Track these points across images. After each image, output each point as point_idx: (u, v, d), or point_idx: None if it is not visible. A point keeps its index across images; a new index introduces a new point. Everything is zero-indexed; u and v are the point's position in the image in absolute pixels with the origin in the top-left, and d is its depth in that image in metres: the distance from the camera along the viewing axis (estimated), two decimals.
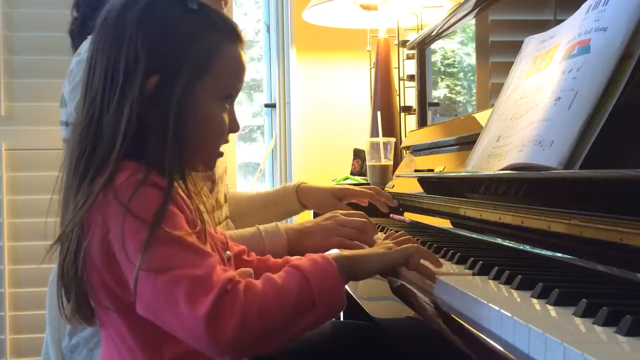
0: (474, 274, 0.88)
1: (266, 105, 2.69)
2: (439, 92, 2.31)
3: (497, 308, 0.68)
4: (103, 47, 0.85)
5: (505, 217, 1.05)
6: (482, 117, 1.35)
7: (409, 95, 2.21)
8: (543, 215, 0.92)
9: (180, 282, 0.75)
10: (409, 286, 0.92)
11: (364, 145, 2.01)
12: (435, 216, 1.42)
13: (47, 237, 0.86)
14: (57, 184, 0.87)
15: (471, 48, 1.99)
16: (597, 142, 0.87)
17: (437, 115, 2.19)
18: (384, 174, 1.94)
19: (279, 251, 1.19)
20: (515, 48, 1.26)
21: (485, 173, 1.12)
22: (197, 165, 0.91)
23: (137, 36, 0.83)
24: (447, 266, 0.96)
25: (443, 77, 2.34)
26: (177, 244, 0.78)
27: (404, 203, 1.65)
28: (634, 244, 0.73)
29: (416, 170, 1.61)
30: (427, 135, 1.73)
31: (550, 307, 0.68)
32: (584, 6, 1.03)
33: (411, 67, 2.11)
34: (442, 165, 1.47)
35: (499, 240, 1.09)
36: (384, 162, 1.94)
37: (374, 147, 1.95)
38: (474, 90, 1.96)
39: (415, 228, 1.48)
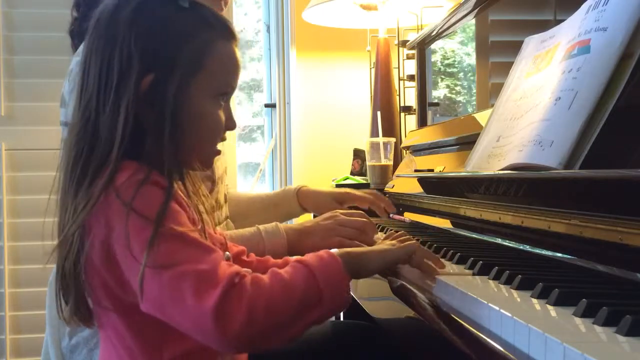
0: (474, 274, 0.88)
1: (266, 105, 2.69)
2: (439, 92, 2.31)
3: (497, 308, 0.68)
4: (97, 49, 0.85)
5: (505, 217, 1.05)
6: (482, 117, 1.35)
7: (409, 95, 2.21)
8: (543, 215, 0.92)
9: (186, 277, 0.75)
10: (409, 286, 0.92)
11: (364, 145, 2.01)
12: (435, 216, 1.42)
13: (46, 238, 0.86)
14: (55, 185, 0.87)
15: (471, 48, 1.99)
16: (597, 142, 0.87)
17: (437, 115, 2.19)
18: (384, 174, 1.94)
19: (279, 251, 1.19)
20: (515, 48, 1.26)
21: (485, 173, 1.12)
22: (195, 164, 0.91)
23: (130, 36, 0.83)
24: (447, 266, 0.96)
25: (443, 77, 2.34)
26: (181, 240, 0.78)
27: (404, 203, 1.65)
28: (634, 244, 0.73)
29: (416, 170, 1.61)
30: (427, 135, 1.73)
31: (550, 307, 0.68)
32: (584, 6, 1.03)
33: (411, 67, 2.11)
34: (442, 165, 1.47)
35: (499, 240, 1.09)
36: (384, 162, 1.94)
37: (374, 147, 1.95)
38: (474, 90, 1.96)
39: (415, 228, 1.48)
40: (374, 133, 2.13)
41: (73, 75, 1.20)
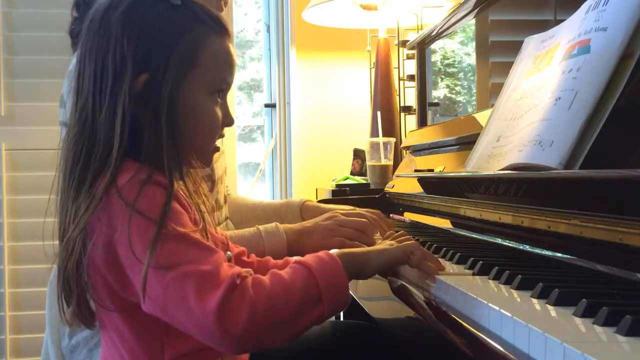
0: (474, 274, 0.88)
1: (266, 105, 2.69)
2: (439, 92, 2.31)
3: (497, 308, 0.68)
4: (90, 50, 0.85)
5: (505, 217, 1.05)
6: (482, 117, 1.35)
7: (409, 95, 2.21)
8: (543, 215, 0.92)
9: (189, 278, 0.75)
10: (409, 286, 0.92)
11: (364, 145, 2.01)
12: (435, 216, 1.42)
13: (47, 238, 0.86)
14: (54, 186, 0.87)
15: (471, 48, 1.99)
16: (597, 142, 0.87)
17: (437, 115, 2.20)
18: (384, 174, 1.94)
19: (278, 251, 1.18)
20: (515, 48, 1.26)
21: (485, 173, 1.12)
22: (194, 161, 0.91)
23: (122, 36, 0.83)
24: (447, 266, 0.96)
25: (443, 77, 2.34)
26: (183, 241, 0.78)
27: (404, 203, 1.65)
28: (634, 244, 0.73)
29: (416, 170, 1.61)
30: (427, 135, 1.73)
31: (550, 307, 0.68)
32: (584, 6, 1.03)
33: (411, 67, 2.11)
34: (442, 165, 1.47)
35: (499, 240, 1.09)
36: (384, 162, 1.94)
37: (374, 147, 1.95)
38: (474, 90, 1.96)
39: (415, 228, 1.48)
40: (374, 133, 2.13)
41: (73, 75, 1.20)
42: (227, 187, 1.48)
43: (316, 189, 2.27)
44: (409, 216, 1.61)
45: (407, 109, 2.20)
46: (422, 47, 1.97)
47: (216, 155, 1.02)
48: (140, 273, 0.77)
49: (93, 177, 0.82)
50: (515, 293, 0.76)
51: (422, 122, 2.00)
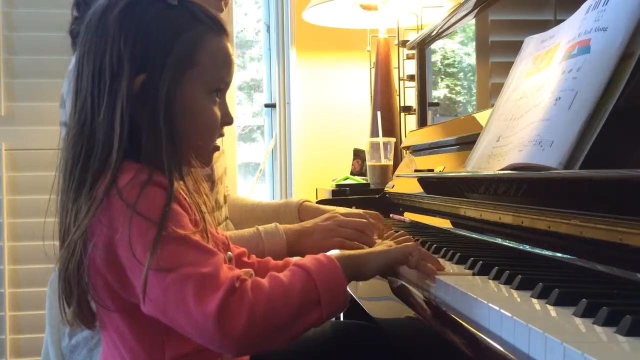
0: (474, 274, 0.88)
1: (266, 105, 2.69)
2: (439, 92, 2.31)
3: (497, 308, 0.68)
4: (88, 51, 0.85)
5: (505, 217, 1.05)
6: (482, 117, 1.35)
7: (409, 95, 2.21)
8: (543, 215, 0.92)
9: (189, 280, 0.75)
10: (409, 286, 0.92)
11: (364, 145, 2.01)
12: (435, 216, 1.42)
13: (47, 238, 0.86)
14: (54, 186, 0.87)
15: (471, 48, 1.99)
16: (597, 142, 0.87)
17: (437, 115, 2.20)
18: (384, 174, 1.94)
19: (278, 251, 1.18)
20: (515, 48, 1.26)
21: (485, 173, 1.12)
22: (194, 161, 0.91)
23: (119, 37, 0.83)
24: (447, 266, 0.96)
25: (443, 77, 2.34)
26: (184, 243, 0.78)
27: (404, 203, 1.65)
28: (634, 244, 0.73)
29: (416, 170, 1.61)
30: (427, 135, 1.73)
31: (550, 307, 0.68)
32: (584, 6, 1.03)
33: (411, 67, 2.11)
34: (442, 165, 1.47)
35: (499, 240, 1.09)
36: (384, 162, 1.94)
37: (374, 147, 1.95)
38: (474, 90, 1.96)
39: (415, 228, 1.48)
40: (374, 133, 2.13)
41: (72, 76, 1.20)
42: (226, 187, 1.48)
43: (316, 189, 2.27)
44: (409, 216, 1.61)
45: (407, 109, 2.20)
46: (422, 47, 1.97)
47: (216, 155, 1.02)
48: (140, 274, 0.77)
49: (93, 178, 0.82)
50: (515, 293, 0.76)
51: (422, 122, 2.00)
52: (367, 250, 0.93)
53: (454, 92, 2.33)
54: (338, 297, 0.83)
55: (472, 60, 1.99)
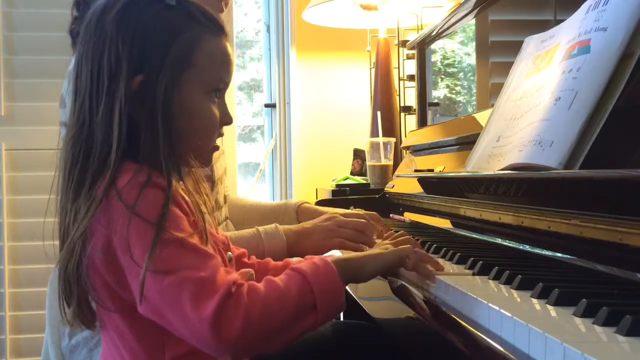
0: (474, 274, 0.88)
1: (266, 105, 2.69)
2: (439, 92, 2.31)
3: (497, 308, 0.68)
4: (87, 51, 0.86)
5: (505, 217, 1.05)
6: (482, 117, 1.35)
7: (409, 95, 2.21)
8: (543, 215, 0.92)
9: (186, 284, 0.76)
10: (409, 286, 0.92)
11: (364, 145, 2.01)
12: (435, 216, 1.42)
13: (47, 238, 0.86)
14: (54, 186, 0.87)
15: (471, 48, 1.99)
16: (597, 142, 0.87)
17: (437, 115, 2.20)
18: (384, 174, 1.94)
19: (278, 252, 1.18)
20: (515, 48, 1.26)
21: (485, 173, 1.12)
22: (193, 161, 0.91)
23: (117, 37, 0.83)
24: (447, 266, 0.96)
25: (443, 77, 2.34)
26: (181, 246, 0.78)
27: (404, 203, 1.65)
28: (634, 244, 0.73)
29: (416, 170, 1.61)
30: (427, 135, 1.73)
31: (550, 307, 0.68)
32: (584, 6, 1.03)
33: (411, 67, 2.11)
34: (442, 165, 1.47)
35: (499, 240, 1.09)
36: (384, 162, 1.94)
37: (374, 147, 1.95)
38: (474, 90, 1.96)
39: (415, 228, 1.48)
40: (374, 133, 2.13)
41: (71, 76, 1.20)
42: (226, 187, 1.48)
43: (316, 189, 2.27)
44: (409, 216, 1.61)
45: (407, 109, 2.20)
46: (422, 47, 1.97)
47: (216, 155, 1.02)
48: (138, 276, 0.77)
49: (92, 179, 0.82)
50: (515, 293, 0.76)
51: (422, 122, 2.00)
52: (363, 253, 0.93)
53: (454, 92, 2.33)
54: (334, 300, 0.83)
55: (472, 60, 1.99)
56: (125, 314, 0.83)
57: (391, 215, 1.71)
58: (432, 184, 1.47)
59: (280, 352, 0.82)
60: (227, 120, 0.92)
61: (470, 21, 1.73)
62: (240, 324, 0.75)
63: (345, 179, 2.12)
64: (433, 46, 2.07)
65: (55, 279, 0.88)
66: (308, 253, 1.18)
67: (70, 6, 1.33)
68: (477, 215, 1.16)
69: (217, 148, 0.93)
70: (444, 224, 1.35)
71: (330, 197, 1.95)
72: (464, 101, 2.23)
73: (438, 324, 0.81)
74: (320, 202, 1.81)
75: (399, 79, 2.20)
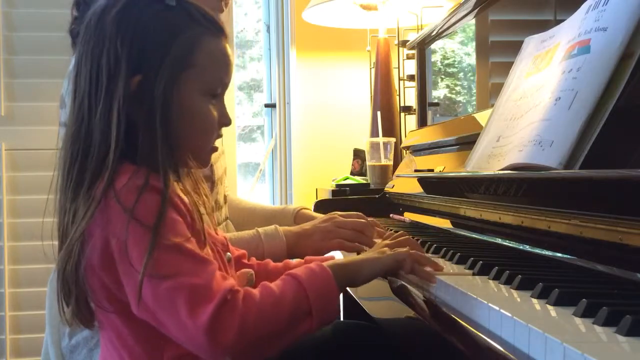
0: (474, 274, 0.88)
1: (266, 105, 2.69)
2: (439, 92, 2.31)
3: (497, 308, 0.68)
4: (87, 51, 0.86)
5: (505, 217, 1.05)
6: (482, 117, 1.35)
7: (409, 95, 2.21)
8: (543, 215, 0.92)
9: (181, 290, 0.76)
10: (409, 286, 0.92)
11: (364, 145, 2.01)
12: (435, 216, 1.42)
13: (46, 238, 0.86)
14: (52, 185, 0.88)
15: (471, 48, 1.99)
16: (597, 142, 0.87)
17: (437, 115, 2.20)
18: (384, 174, 1.94)
19: (278, 253, 1.18)
20: (515, 48, 1.26)
21: (485, 173, 1.12)
22: (190, 161, 0.91)
23: (116, 37, 0.83)
24: (447, 266, 0.96)
25: (443, 77, 2.34)
26: (178, 251, 0.79)
27: (404, 203, 1.65)
28: (634, 244, 0.73)
29: (416, 170, 1.60)
30: (427, 135, 1.73)
31: (550, 307, 0.68)
32: (584, 6, 1.03)
33: (411, 67, 2.11)
34: (442, 165, 1.47)
35: (499, 240, 1.09)
36: (384, 162, 1.94)
37: (374, 147, 1.95)
38: (474, 90, 1.96)
39: (415, 228, 1.48)
40: (374, 133, 2.13)
41: (71, 76, 1.20)
42: (226, 187, 1.48)
43: (316, 189, 2.27)
44: (409, 216, 1.61)
45: (407, 109, 2.20)
46: (422, 47, 1.97)
47: (216, 155, 1.02)
48: (133, 279, 0.78)
49: (91, 179, 0.83)
50: (515, 293, 0.76)
51: (422, 122, 2.00)
52: (361, 257, 0.93)
53: (454, 92, 2.33)
54: (329, 306, 0.84)
55: (472, 60, 1.99)
56: (123, 314, 0.83)
57: (391, 215, 1.71)
58: (432, 184, 1.47)
59: (280, 352, 0.82)
60: (225, 121, 0.92)
61: (470, 21, 1.73)
62: (235, 331, 0.76)
63: (345, 179, 2.12)
64: (433, 46, 2.07)
65: (55, 279, 0.88)
66: (308, 254, 1.18)
67: (70, 6, 1.33)
68: (477, 215, 1.16)
69: (215, 149, 0.93)
70: (444, 224, 1.35)
71: (330, 197, 1.95)
72: (464, 101, 2.23)
73: (438, 324, 0.81)
74: (321, 203, 1.81)
75: (399, 79, 2.20)
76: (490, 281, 0.83)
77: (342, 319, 1.70)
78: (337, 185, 2.05)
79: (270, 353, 0.81)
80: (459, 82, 2.30)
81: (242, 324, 0.76)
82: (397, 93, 2.20)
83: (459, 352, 0.73)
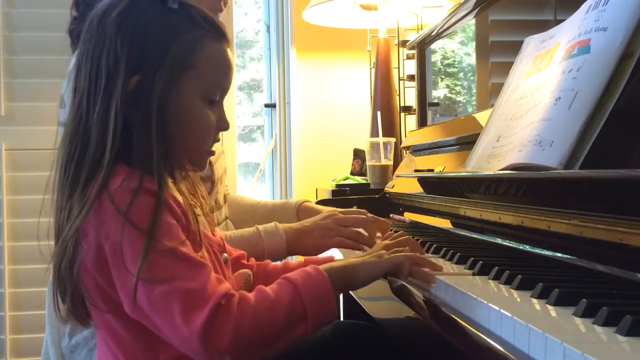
0: (474, 274, 0.88)
1: (266, 105, 2.69)
2: (439, 92, 2.31)
3: (497, 308, 0.68)
4: (87, 51, 0.86)
5: (506, 217, 1.05)
6: (482, 117, 1.35)
7: (409, 95, 2.21)
8: (543, 215, 0.92)
9: (176, 295, 0.76)
10: (409, 286, 0.92)
11: (364, 145, 2.01)
12: (435, 216, 1.42)
13: (42, 237, 0.87)
14: (49, 185, 0.88)
15: (471, 48, 1.99)
16: (597, 142, 0.87)
17: (437, 115, 2.20)
18: (384, 174, 1.94)
19: (278, 251, 1.18)
20: (515, 48, 1.26)
21: (485, 173, 1.12)
22: (186, 164, 0.91)
23: (117, 37, 0.84)
24: (447, 266, 0.96)
25: (443, 77, 2.34)
26: (173, 255, 0.79)
27: (404, 203, 1.65)
28: (634, 244, 0.73)
29: (416, 170, 1.60)
30: (427, 135, 1.73)
31: (550, 307, 0.68)
32: (584, 6, 1.03)
33: (411, 67, 2.11)
34: (442, 165, 1.47)
35: (499, 240, 1.09)
36: (384, 162, 1.94)
37: (374, 147, 1.95)
38: (474, 90, 1.96)
39: (415, 228, 1.48)
40: (374, 133, 2.13)
41: (71, 76, 1.20)
42: (226, 186, 1.48)
43: (316, 189, 2.27)
44: (409, 216, 1.61)
45: (407, 109, 2.20)
46: (422, 47, 1.97)
47: (216, 155, 1.02)
48: (127, 282, 0.78)
49: (86, 178, 0.83)
50: (515, 293, 0.76)
51: (422, 122, 2.00)
52: (358, 260, 0.93)
53: (454, 92, 2.33)
54: (325, 310, 0.84)
55: (472, 60, 1.99)
56: (118, 315, 0.83)
57: (391, 215, 1.71)
58: (432, 184, 1.47)
59: (279, 353, 0.82)
60: (223, 125, 0.92)
61: (470, 21, 1.73)
62: (230, 336, 0.76)
63: (345, 179, 2.12)
64: (433, 46, 2.07)
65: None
66: (308, 251, 1.18)
67: (70, 6, 1.33)
68: (477, 215, 1.16)
69: (212, 153, 0.93)
70: (444, 224, 1.35)
71: (330, 197, 1.95)
72: (464, 101, 2.23)
73: (438, 324, 0.80)
74: (321, 202, 1.81)
75: (399, 79, 2.20)
76: (490, 281, 0.83)
77: (342, 319, 1.70)
78: (337, 185, 2.05)
79: (265, 356, 0.81)
80: (459, 82, 2.30)
81: (237, 328, 0.76)
82: (397, 93, 2.20)
83: (459, 352, 0.73)
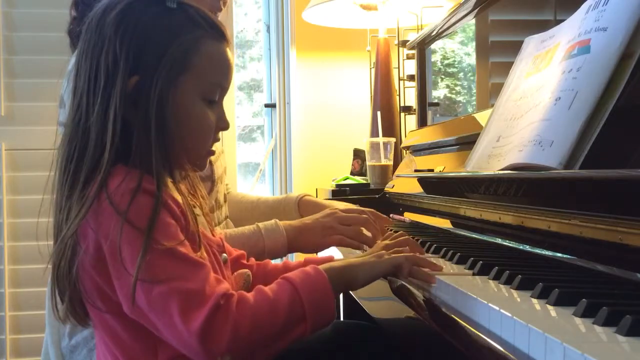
0: (474, 274, 0.88)
1: (266, 105, 2.69)
2: (439, 92, 2.31)
3: (497, 308, 0.68)
4: (86, 51, 0.86)
5: (506, 217, 1.05)
6: (482, 117, 1.35)
7: (409, 95, 2.21)
8: (543, 215, 0.92)
9: (174, 295, 0.76)
10: (409, 286, 0.92)
11: (364, 145, 2.01)
12: (435, 216, 1.42)
13: (41, 237, 0.87)
14: (49, 185, 0.88)
15: (471, 48, 1.99)
16: (597, 142, 0.87)
17: (437, 115, 2.19)
18: (384, 174, 1.94)
19: (278, 248, 1.18)
20: (515, 48, 1.26)
21: (485, 173, 1.12)
22: (186, 164, 0.91)
23: (116, 37, 0.84)
24: (447, 266, 0.96)
25: (443, 77, 2.34)
26: (171, 255, 0.79)
27: (404, 203, 1.65)
28: (634, 244, 0.73)
29: (416, 170, 1.60)
30: (427, 135, 1.73)
31: (550, 307, 0.68)
32: (584, 6, 1.03)
33: (411, 67, 2.11)
34: (442, 165, 1.47)
35: (499, 240, 1.09)
36: (384, 162, 1.94)
37: (374, 147, 1.95)
38: (474, 90, 1.96)
39: (415, 228, 1.48)
40: (374, 133, 2.13)
41: (70, 76, 1.20)
42: (227, 185, 1.48)
43: (316, 189, 2.27)
44: (409, 216, 1.61)
45: (407, 109, 2.20)
46: (422, 47, 1.97)
47: (216, 154, 1.02)
48: (126, 282, 0.78)
49: (86, 178, 0.83)
50: (515, 293, 0.76)
51: (422, 122, 2.00)
52: (358, 261, 0.93)
53: (454, 92, 2.33)
54: (324, 310, 0.83)
55: (472, 60, 1.99)
56: (117, 315, 0.83)
57: (391, 215, 1.71)
58: (432, 184, 1.47)
59: (278, 353, 0.82)
60: (223, 125, 0.92)
61: (470, 21, 1.73)
62: (228, 336, 0.76)
63: (345, 179, 2.12)
64: (433, 46, 2.07)
65: None
66: (308, 249, 1.18)
67: (69, 6, 1.33)
68: (477, 215, 1.16)
69: (212, 153, 0.93)
70: (444, 224, 1.35)
71: (330, 197, 1.95)
72: (464, 101, 2.23)
73: (438, 324, 0.80)
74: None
75: (399, 79, 2.20)
76: (490, 281, 0.83)
77: (342, 319, 1.70)
78: (337, 185, 2.06)
79: (263, 356, 0.81)
80: (459, 82, 2.30)
81: (235, 328, 0.76)
82: (397, 93, 2.20)
83: (459, 352, 0.72)
